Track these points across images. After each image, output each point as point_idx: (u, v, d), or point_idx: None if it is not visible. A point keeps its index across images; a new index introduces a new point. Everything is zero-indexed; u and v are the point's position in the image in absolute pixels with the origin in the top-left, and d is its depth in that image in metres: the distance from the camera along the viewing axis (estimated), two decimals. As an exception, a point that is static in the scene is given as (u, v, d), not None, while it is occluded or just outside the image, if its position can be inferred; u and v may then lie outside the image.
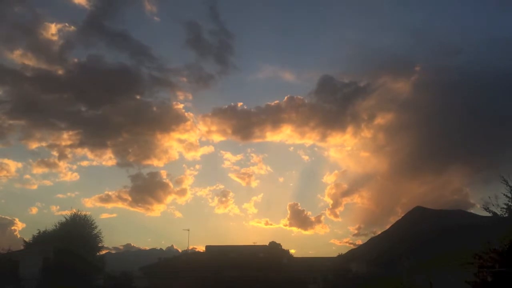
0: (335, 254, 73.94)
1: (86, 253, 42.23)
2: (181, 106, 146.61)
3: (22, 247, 47.44)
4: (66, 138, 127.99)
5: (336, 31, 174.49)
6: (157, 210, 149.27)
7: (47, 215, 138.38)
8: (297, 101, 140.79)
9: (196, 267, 47.54)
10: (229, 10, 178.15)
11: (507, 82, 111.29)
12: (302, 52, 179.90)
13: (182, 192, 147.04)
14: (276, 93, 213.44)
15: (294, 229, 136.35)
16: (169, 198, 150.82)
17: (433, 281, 21.85)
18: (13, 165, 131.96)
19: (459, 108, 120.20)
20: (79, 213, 48.08)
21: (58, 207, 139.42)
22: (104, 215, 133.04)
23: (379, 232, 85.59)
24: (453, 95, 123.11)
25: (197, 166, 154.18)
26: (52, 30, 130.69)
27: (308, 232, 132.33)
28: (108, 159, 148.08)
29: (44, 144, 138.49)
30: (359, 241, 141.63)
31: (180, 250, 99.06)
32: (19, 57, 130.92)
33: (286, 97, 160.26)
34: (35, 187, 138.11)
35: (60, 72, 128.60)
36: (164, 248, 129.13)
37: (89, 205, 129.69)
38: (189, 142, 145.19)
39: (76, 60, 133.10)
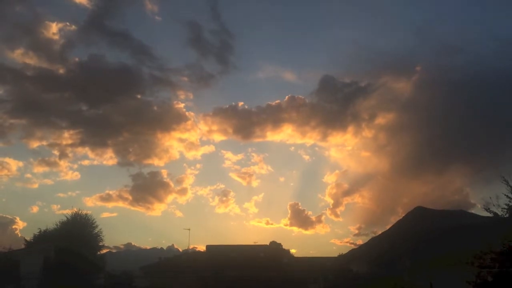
0: (335, 254, 74.02)
1: (87, 252, 42.31)
2: (182, 105, 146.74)
3: (23, 246, 47.55)
4: (67, 137, 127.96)
5: (337, 31, 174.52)
6: (157, 209, 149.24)
7: (48, 214, 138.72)
8: (298, 101, 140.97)
9: (197, 267, 47.54)
10: (230, 9, 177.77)
11: (509, 82, 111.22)
12: (303, 51, 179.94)
13: (183, 191, 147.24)
14: (277, 92, 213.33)
15: (295, 228, 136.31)
16: (170, 198, 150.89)
17: (434, 281, 21.84)
18: (14, 164, 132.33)
19: (460, 108, 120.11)
20: (80, 212, 48.25)
21: (59, 206, 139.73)
22: (105, 214, 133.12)
23: (380, 232, 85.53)
24: (454, 95, 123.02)
25: (198, 166, 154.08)
26: (53, 29, 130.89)
27: (309, 232, 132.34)
28: (109, 158, 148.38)
29: (45, 143, 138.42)
30: (360, 241, 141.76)
31: (180, 250, 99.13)
32: (20, 56, 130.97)
33: (287, 97, 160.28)
34: (36, 186, 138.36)
35: (61, 71, 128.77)
36: (164, 248, 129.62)
37: (90, 204, 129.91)
38: (190, 142, 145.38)
39: (77, 59, 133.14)
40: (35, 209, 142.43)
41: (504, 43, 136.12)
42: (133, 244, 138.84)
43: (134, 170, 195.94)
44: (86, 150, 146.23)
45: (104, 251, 55.20)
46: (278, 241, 59.55)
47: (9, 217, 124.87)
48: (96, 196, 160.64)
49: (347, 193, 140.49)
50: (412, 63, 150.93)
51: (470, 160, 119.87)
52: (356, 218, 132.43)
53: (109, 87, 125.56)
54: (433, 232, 60.24)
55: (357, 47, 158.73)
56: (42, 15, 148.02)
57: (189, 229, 61.07)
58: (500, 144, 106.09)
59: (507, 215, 22.37)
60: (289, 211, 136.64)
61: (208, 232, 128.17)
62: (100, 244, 48.64)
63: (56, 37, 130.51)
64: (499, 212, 22.75)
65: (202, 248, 67.00)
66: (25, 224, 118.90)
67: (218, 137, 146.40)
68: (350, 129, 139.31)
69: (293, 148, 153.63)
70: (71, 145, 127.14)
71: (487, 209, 23.82)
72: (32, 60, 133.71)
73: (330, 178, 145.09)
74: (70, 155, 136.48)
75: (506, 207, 22.02)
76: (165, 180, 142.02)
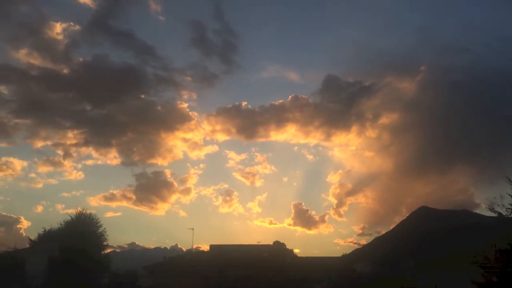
0: (339, 254, 73.88)
1: (91, 252, 42.45)
2: (185, 105, 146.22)
3: (27, 245, 47.79)
4: (71, 137, 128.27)
5: (341, 30, 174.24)
6: (161, 209, 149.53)
7: (52, 213, 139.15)
8: (301, 101, 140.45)
9: (200, 266, 47.64)
10: (233, 9, 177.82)
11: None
12: (307, 51, 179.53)
13: (187, 191, 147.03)
14: (281, 92, 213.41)
15: (298, 228, 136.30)
16: (174, 197, 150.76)
17: (438, 281, 21.82)
18: (18, 164, 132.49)
19: (464, 108, 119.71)
20: (84, 211, 48.40)
21: (63, 205, 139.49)
22: (109, 214, 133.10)
23: (384, 232, 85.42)
24: (459, 95, 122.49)
25: (202, 165, 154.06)
26: (57, 29, 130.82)
27: (312, 232, 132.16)
28: (112, 158, 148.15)
29: (49, 143, 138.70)
30: (364, 241, 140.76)
31: (184, 249, 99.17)
32: (24, 56, 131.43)
33: (290, 97, 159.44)
34: (40, 185, 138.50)
35: (65, 71, 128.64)
36: (168, 247, 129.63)
37: (94, 203, 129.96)
38: (194, 141, 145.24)
39: (81, 59, 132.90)
40: (39, 208, 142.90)
41: (508, 43, 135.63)
42: (137, 243, 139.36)
43: (138, 169, 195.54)
44: (90, 150, 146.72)
45: (108, 250, 55.38)
46: (281, 241, 59.32)
47: (14, 216, 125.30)
48: (100, 195, 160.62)
49: (350, 193, 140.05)
50: (416, 63, 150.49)
51: (474, 160, 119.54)
52: (359, 218, 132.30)
53: (113, 87, 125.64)
54: (437, 232, 60.19)
55: (361, 46, 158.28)
56: (46, 15, 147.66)
57: (192, 229, 61.21)
58: (504, 144, 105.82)
59: (511, 215, 22.29)
60: (293, 211, 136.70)
61: (212, 232, 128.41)
62: (104, 243, 48.77)
63: (60, 37, 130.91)
64: (504, 212, 22.61)
65: (205, 247, 67.02)
66: (29, 223, 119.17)
67: (221, 137, 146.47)
68: (354, 129, 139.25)
69: (296, 148, 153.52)
70: (75, 145, 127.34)
71: (492, 209, 23.68)
72: (36, 60, 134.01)
73: (333, 178, 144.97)
74: (74, 154, 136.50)
75: (510, 207, 21.86)
76: (168, 179, 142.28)
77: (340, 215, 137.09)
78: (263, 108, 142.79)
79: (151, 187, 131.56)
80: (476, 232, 45.10)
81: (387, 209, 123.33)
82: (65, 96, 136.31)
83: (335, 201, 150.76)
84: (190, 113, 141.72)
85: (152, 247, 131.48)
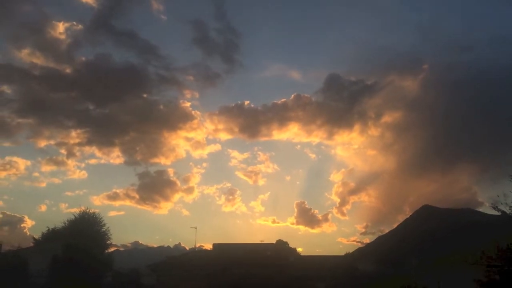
0: (342, 253, 73.49)
1: (95, 250, 42.63)
2: (188, 104, 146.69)
3: (31, 244, 48.07)
4: (74, 136, 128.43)
5: (343, 29, 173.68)
6: (164, 208, 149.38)
7: (55, 212, 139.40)
8: (304, 100, 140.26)
9: (203, 265, 47.68)
10: (235, 8, 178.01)
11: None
12: (309, 50, 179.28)
13: (189, 190, 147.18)
14: (283, 91, 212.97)
15: (301, 227, 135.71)
16: (177, 196, 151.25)
17: (441, 279, 21.74)
18: (22, 163, 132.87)
19: (467, 107, 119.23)
20: (87, 210, 48.63)
21: (66, 204, 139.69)
22: (112, 213, 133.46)
23: (387, 231, 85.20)
24: (461, 93, 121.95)
25: (204, 164, 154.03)
26: (60, 29, 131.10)
27: (315, 231, 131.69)
28: (115, 157, 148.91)
29: (52, 142, 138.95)
30: (367, 240, 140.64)
31: (187, 248, 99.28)
32: (27, 55, 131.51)
33: (293, 95, 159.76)
34: (43, 185, 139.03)
35: (67, 70, 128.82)
36: (171, 246, 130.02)
37: (97, 203, 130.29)
38: (196, 141, 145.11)
39: (83, 58, 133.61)
40: (43, 207, 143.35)
41: (510, 41, 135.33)
42: (140, 242, 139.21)
43: (140, 169, 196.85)
44: (93, 149, 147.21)
45: (112, 249, 55.75)
46: (284, 240, 59.36)
47: (18, 215, 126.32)
48: (103, 195, 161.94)
49: (353, 191, 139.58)
50: (418, 62, 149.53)
51: (477, 158, 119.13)
52: (362, 216, 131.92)
53: (116, 87, 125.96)
54: (440, 231, 60.06)
55: (363, 45, 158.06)
56: (49, 15, 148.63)
57: (195, 228, 61.45)
58: (506, 143, 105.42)
59: (515, 214, 22.24)
60: (296, 210, 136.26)
61: (215, 231, 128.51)
62: (108, 242, 49.07)
63: (63, 36, 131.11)
64: (507, 210, 22.60)
65: (208, 246, 67.14)
66: (33, 222, 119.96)
67: (224, 136, 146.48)
68: (356, 127, 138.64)
69: (299, 146, 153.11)
70: (78, 144, 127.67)
71: (495, 208, 23.68)
72: (39, 60, 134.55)
73: (336, 177, 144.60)
74: (77, 154, 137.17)
75: (514, 205, 21.87)
76: (171, 179, 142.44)
77: (343, 214, 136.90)
78: (265, 107, 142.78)
79: (154, 186, 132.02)
80: (479, 231, 45.06)
81: (390, 208, 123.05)
82: (68, 96, 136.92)
83: (338, 200, 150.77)
84: (193, 112, 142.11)
85: (155, 246, 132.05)
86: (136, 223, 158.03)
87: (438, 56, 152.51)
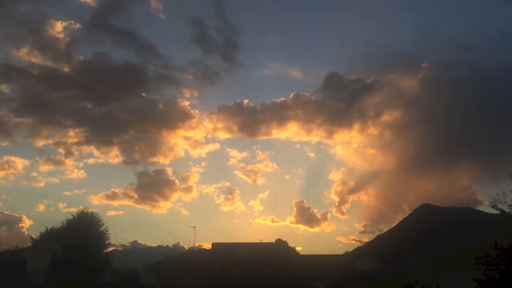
0: (341, 252, 73.63)
1: (93, 250, 42.57)
2: (187, 103, 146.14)
3: (29, 244, 48.03)
4: (73, 135, 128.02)
5: (343, 28, 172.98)
6: (163, 207, 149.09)
7: (54, 212, 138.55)
8: (303, 98, 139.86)
9: (202, 264, 47.66)
10: (234, 7, 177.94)
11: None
12: (308, 49, 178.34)
13: (188, 189, 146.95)
14: (282, 90, 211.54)
15: (301, 226, 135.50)
16: (175, 196, 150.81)
17: (440, 278, 21.69)
18: (20, 163, 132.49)
19: (466, 105, 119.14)
20: (86, 210, 48.58)
21: (65, 204, 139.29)
22: (111, 213, 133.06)
23: (386, 230, 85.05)
24: (461, 92, 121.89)
25: (203, 164, 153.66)
26: (58, 27, 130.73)
27: (314, 230, 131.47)
28: (114, 156, 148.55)
29: (50, 141, 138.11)
30: (366, 239, 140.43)
31: (186, 247, 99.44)
32: (25, 54, 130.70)
33: (292, 94, 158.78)
34: (42, 184, 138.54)
35: (66, 69, 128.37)
36: (170, 245, 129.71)
37: (96, 202, 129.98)
38: (195, 140, 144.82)
39: (82, 57, 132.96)
40: (41, 207, 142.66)
41: (511, 39, 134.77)
42: (139, 242, 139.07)
43: (139, 168, 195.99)
44: (91, 149, 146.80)
45: (110, 249, 55.67)
46: (283, 239, 59.22)
47: (16, 215, 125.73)
48: (101, 194, 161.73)
49: (352, 190, 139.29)
50: (418, 60, 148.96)
51: (476, 157, 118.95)
52: (362, 215, 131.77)
53: (114, 86, 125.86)
54: (439, 230, 59.99)
55: (363, 44, 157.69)
56: (47, 13, 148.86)
57: (194, 227, 61.69)
58: (506, 142, 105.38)
59: (514, 212, 22.23)
60: (295, 209, 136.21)
61: (214, 230, 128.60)
62: (106, 242, 49.06)
63: (61, 35, 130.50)
64: (506, 209, 22.60)
65: (207, 245, 67.14)
66: (31, 222, 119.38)
67: (223, 135, 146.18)
68: (356, 126, 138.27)
69: (298, 145, 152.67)
70: (77, 143, 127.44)
71: (494, 206, 23.72)
72: (37, 59, 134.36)
73: (335, 176, 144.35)
74: (75, 153, 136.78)
75: (513, 204, 21.86)
76: (170, 178, 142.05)
77: (342, 213, 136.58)
78: (264, 106, 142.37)
79: (152, 186, 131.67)
80: (479, 229, 44.96)
81: (389, 207, 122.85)
82: (66, 95, 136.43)
83: (337, 199, 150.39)
84: (192, 111, 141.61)
85: (154, 245, 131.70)
86: (135, 222, 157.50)
87: (437, 55, 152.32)
